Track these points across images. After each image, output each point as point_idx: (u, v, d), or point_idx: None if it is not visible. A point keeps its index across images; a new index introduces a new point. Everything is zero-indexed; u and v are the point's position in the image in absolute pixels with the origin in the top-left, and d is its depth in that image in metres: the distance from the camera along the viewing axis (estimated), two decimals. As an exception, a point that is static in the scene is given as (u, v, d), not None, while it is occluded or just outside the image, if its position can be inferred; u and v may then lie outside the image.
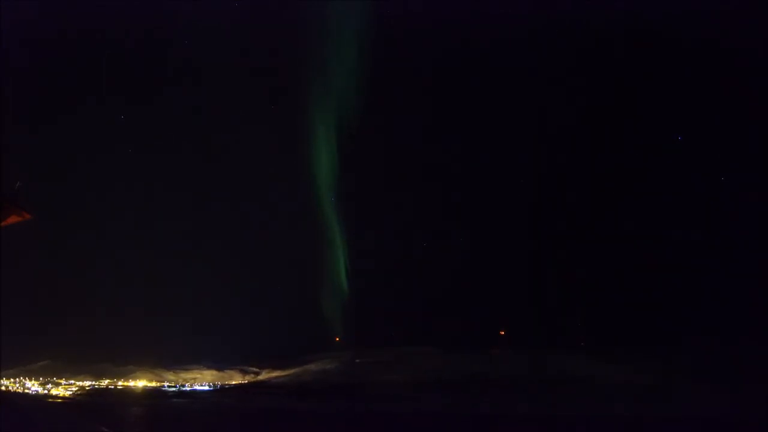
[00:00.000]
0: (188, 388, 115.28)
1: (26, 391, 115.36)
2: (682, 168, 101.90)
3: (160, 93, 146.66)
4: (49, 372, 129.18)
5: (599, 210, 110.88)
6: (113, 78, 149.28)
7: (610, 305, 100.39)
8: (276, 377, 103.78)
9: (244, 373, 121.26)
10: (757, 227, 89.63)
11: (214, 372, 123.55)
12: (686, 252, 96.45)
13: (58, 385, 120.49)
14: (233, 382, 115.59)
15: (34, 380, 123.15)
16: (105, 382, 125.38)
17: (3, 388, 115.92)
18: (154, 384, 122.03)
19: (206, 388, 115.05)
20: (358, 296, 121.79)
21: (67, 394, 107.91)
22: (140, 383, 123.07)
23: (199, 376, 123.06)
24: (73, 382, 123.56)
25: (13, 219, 22.17)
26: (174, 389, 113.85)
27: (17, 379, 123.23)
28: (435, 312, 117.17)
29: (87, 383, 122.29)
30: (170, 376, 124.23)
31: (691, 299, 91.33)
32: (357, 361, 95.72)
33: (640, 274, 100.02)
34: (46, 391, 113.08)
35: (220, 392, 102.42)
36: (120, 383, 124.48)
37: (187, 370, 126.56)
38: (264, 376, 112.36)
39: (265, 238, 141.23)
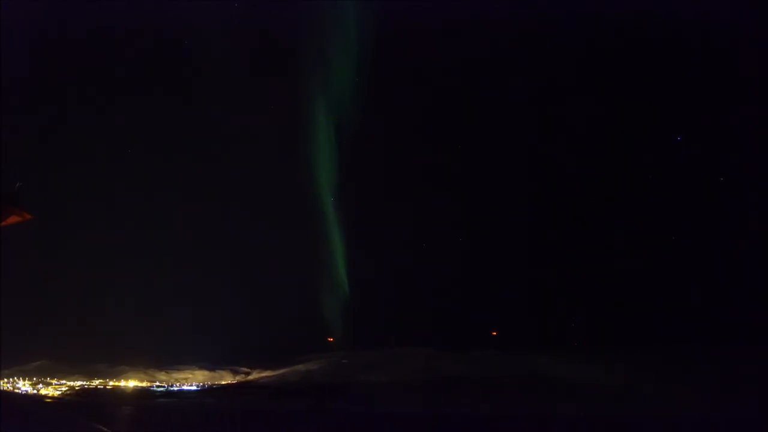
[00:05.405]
0: (176, 389, 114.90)
1: (16, 390, 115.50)
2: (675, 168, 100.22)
3: (159, 93, 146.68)
4: (44, 372, 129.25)
5: (590, 210, 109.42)
6: (113, 77, 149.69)
7: (602, 305, 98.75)
8: (263, 377, 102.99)
9: (235, 373, 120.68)
10: (749, 228, 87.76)
11: (206, 372, 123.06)
12: (679, 252, 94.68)
13: (48, 385, 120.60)
14: (222, 383, 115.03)
15: (27, 380, 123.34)
16: (96, 382, 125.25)
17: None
18: (144, 384, 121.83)
19: (193, 388, 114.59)
20: (354, 297, 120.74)
21: (56, 393, 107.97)
22: (131, 383, 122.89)
23: (190, 376, 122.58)
24: (64, 382, 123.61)
25: (13, 219, 21.37)
26: (162, 389, 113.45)
27: (10, 379, 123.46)
28: (431, 313, 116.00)
29: (77, 383, 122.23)
30: (162, 376, 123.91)
31: (680, 299, 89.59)
32: (344, 361, 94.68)
33: (631, 274, 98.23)
34: (35, 391, 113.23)
35: (205, 392, 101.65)
36: (111, 383, 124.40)
37: (179, 370, 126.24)
38: (253, 376, 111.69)
39: (263, 238, 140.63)
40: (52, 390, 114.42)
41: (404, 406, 69.23)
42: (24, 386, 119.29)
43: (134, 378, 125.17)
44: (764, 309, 79.25)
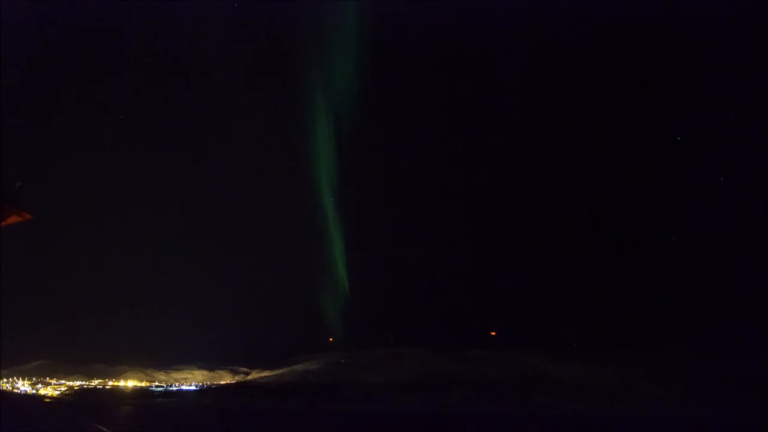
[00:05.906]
0: (174, 388, 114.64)
1: (15, 390, 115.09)
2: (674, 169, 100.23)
3: (159, 92, 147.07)
4: (44, 372, 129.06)
5: (589, 212, 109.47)
6: (113, 77, 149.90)
7: (602, 306, 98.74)
8: (261, 378, 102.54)
9: (234, 373, 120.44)
10: (747, 229, 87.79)
11: (205, 372, 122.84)
12: (677, 253, 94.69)
13: (48, 384, 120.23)
14: (221, 383, 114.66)
15: (26, 380, 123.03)
16: (95, 382, 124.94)
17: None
18: (144, 384, 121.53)
19: (192, 388, 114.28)
20: (354, 297, 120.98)
21: (56, 393, 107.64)
22: (130, 383, 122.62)
23: (189, 376, 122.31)
24: (63, 382, 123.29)
25: (13, 219, 21.33)
26: (161, 389, 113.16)
27: (9, 379, 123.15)
28: (431, 313, 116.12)
29: (77, 383, 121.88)
30: (161, 376, 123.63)
31: (679, 300, 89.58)
32: (342, 361, 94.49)
33: (630, 275, 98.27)
34: (35, 391, 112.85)
35: (203, 392, 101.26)
36: (110, 383, 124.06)
37: (178, 370, 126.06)
38: (252, 376, 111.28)
39: (263, 239, 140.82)
40: (51, 390, 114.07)
41: (403, 406, 69.12)
42: (23, 386, 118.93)
43: (133, 378, 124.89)
44: (764, 309, 79.21)
